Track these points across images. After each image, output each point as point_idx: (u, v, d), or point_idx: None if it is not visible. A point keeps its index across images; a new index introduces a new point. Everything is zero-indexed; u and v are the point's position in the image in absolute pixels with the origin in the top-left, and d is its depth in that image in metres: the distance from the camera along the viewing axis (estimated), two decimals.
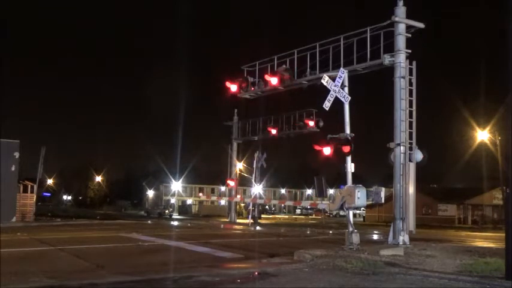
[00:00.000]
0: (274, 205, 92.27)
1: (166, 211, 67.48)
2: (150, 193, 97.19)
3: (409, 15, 17.45)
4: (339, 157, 15.28)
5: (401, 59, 17.29)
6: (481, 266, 11.02)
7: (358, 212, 64.75)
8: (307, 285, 8.90)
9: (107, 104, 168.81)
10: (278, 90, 24.34)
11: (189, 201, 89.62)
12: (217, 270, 10.41)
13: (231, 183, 37.06)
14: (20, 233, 20.22)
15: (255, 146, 37.00)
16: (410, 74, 17.22)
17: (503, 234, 9.46)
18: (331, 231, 27.91)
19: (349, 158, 15.19)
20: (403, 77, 17.10)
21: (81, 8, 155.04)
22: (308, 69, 21.83)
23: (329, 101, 15.54)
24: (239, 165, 38.64)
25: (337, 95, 15.39)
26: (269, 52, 26.43)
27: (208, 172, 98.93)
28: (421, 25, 17.65)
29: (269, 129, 32.60)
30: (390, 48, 17.77)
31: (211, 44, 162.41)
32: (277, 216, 76.85)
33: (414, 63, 17.28)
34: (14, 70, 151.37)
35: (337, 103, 15.52)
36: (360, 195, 14.44)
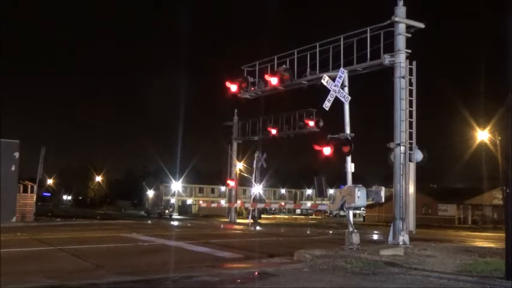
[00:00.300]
0: (275, 207, 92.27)
1: (166, 211, 67.47)
2: (150, 193, 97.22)
3: (409, 15, 17.45)
4: (339, 157, 15.29)
5: (401, 59, 17.28)
6: (481, 266, 11.02)
7: (358, 212, 64.75)
8: (307, 285, 8.90)
9: (107, 104, 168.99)
10: (278, 90, 24.32)
11: (189, 201, 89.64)
12: (217, 270, 10.41)
13: (231, 183, 37.06)
14: (20, 233, 20.22)
15: (255, 146, 37.03)
16: (410, 74, 17.20)
17: (503, 234, 9.46)
18: (331, 231, 27.90)
19: (349, 158, 15.19)
20: (403, 77, 17.09)
21: (81, 7, 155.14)
22: (308, 69, 21.81)
23: (329, 101, 15.54)
24: (239, 165, 38.62)
25: (337, 95, 15.39)
26: (269, 52, 26.43)
27: (208, 172, 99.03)
28: (421, 25, 17.65)
29: (269, 129, 32.58)
30: (390, 48, 17.76)
31: (211, 44, 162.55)
32: (277, 216, 76.85)
33: (414, 63, 17.27)
34: (14, 70, 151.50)
35: (337, 103, 15.52)
36: (360, 195, 14.44)
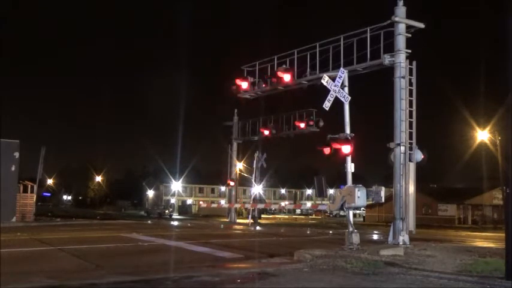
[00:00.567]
0: (275, 208, 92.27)
1: (166, 211, 67.47)
2: (150, 193, 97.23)
3: (409, 15, 17.45)
4: (339, 157, 15.28)
5: (401, 59, 17.28)
6: (481, 266, 11.02)
7: (358, 212, 64.74)
8: (307, 285, 8.90)
9: (107, 104, 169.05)
10: (278, 90, 24.32)
11: (189, 201, 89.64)
12: (217, 270, 10.41)
13: (231, 183, 37.09)
14: (20, 233, 20.22)
15: (255, 146, 37.01)
16: (410, 74, 17.20)
17: (503, 234, 9.46)
18: (331, 231, 27.91)
19: (349, 158, 15.19)
20: (403, 77, 17.09)
21: (81, 7, 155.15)
22: (308, 69, 21.80)
23: (329, 101, 15.54)
24: (239, 165, 38.62)
25: (337, 95, 15.39)
26: (269, 52, 26.44)
27: (208, 172, 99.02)
28: (421, 25, 17.65)
29: (268, 129, 32.59)
30: (390, 48, 17.76)
31: (211, 44, 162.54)
32: (277, 216, 76.84)
33: (414, 63, 17.26)
34: (14, 70, 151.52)
35: (337, 103, 15.52)
36: (360, 195, 14.44)
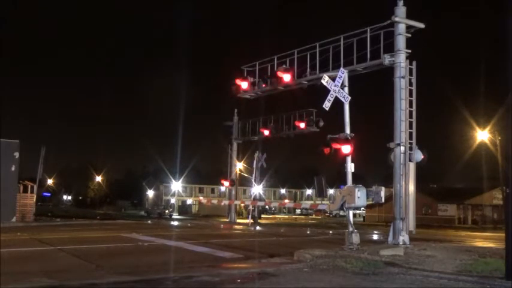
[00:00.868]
0: (275, 206, 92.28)
1: (166, 211, 67.46)
2: (150, 193, 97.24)
3: (409, 15, 17.44)
4: (339, 157, 15.28)
5: (401, 59, 17.28)
6: (481, 266, 11.03)
7: (358, 212, 64.76)
8: (307, 285, 8.90)
9: (107, 104, 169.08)
10: (278, 90, 24.32)
11: (189, 201, 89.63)
12: (217, 270, 10.41)
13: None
14: (20, 233, 20.22)
15: (255, 146, 36.99)
16: (410, 74, 17.20)
17: (503, 234, 9.46)
18: (331, 231, 27.91)
19: (349, 158, 15.19)
20: (403, 77, 17.09)
21: (81, 7, 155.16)
22: (308, 69, 21.80)
23: (329, 101, 15.54)
24: (239, 165, 38.61)
25: (337, 95, 15.39)
26: (269, 52, 26.43)
27: (208, 172, 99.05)
28: (421, 25, 17.65)
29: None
30: (390, 48, 17.76)
31: (211, 43, 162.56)
32: (277, 216, 76.87)
33: (414, 63, 17.27)
34: (14, 70, 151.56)
35: (337, 103, 15.52)
36: (360, 195, 14.44)
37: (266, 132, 32.46)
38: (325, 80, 15.67)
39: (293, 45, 28.76)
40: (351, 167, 15.19)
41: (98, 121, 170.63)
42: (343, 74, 15.61)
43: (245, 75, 25.63)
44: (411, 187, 16.84)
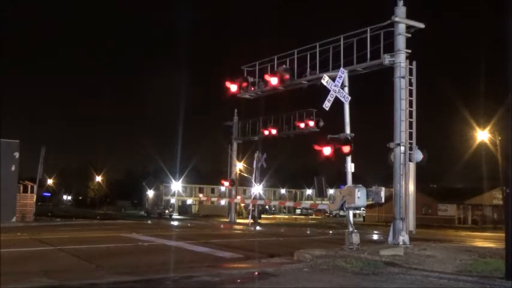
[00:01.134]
0: (274, 205, 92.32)
1: (166, 211, 67.43)
2: (150, 193, 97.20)
3: (409, 15, 17.44)
4: (339, 157, 15.28)
5: (401, 59, 17.28)
6: (481, 266, 11.03)
7: (358, 212, 64.75)
8: (307, 285, 8.90)
9: (107, 103, 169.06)
10: (278, 90, 24.32)
11: (189, 201, 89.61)
12: (217, 270, 10.41)
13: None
14: (20, 233, 20.22)
15: (255, 146, 37.01)
16: (410, 74, 17.20)
17: (503, 234, 9.46)
18: (331, 231, 27.91)
19: (349, 158, 15.19)
20: (403, 77, 17.09)
21: (81, 7, 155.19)
22: (308, 69, 21.80)
23: (329, 101, 15.54)
24: (239, 165, 38.62)
25: (337, 95, 15.39)
26: (269, 52, 26.42)
27: (208, 172, 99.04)
28: (421, 25, 17.65)
29: (269, 129, 32.58)
30: (390, 48, 17.75)
31: (211, 43, 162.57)
32: (277, 216, 76.84)
33: (414, 63, 17.27)
34: (14, 70, 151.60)
35: (337, 103, 15.52)
36: (360, 195, 14.44)
37: (266, 132, 32.43)
38: (325, 80, 15.67)
39: (293, 45, 28.77)
40: (351, 167, 15.20)
41: (98, 121, 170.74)
42: (343, 74, 15.61)
43: (245, 75, 25.64)
44: (411, 187, 16.84)
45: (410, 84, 17.19)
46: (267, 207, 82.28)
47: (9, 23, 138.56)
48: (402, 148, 16.79)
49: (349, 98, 15.47)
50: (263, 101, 29.08)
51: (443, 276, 9.92)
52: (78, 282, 8.77)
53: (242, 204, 52.63)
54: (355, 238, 14.53)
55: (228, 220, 37.97)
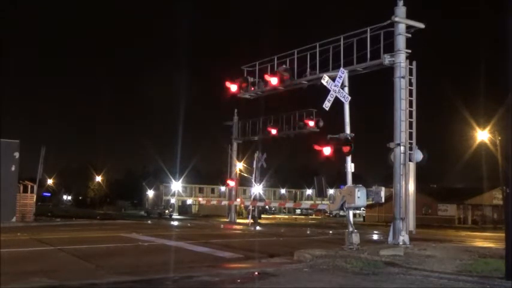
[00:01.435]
0: (274, 206, 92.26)
1: (166, 211, 67.41)
2: (150, 193, 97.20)
3: (409, 15, 17.46)
4: (339, 157, 15.28)
5: (401, 59, 17.29)
6: (481, 266, 11.02)
7: (358, 212, 64.72)
8: (307, 285, 8.90)
9: (107, 103, 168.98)
10: (278, 90, 24.34)
11: (189, 201, 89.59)
12: (217, 270, 10.41)
13: (231, 183, 37.02)
14: (20, 233, 20.22)
15: (255, 146, 37.00)
16: (410, 74, 17.21)
17: (503, 234, 9.46)
18: (331, 231, 27.91)
19: (349, 158, 15.19)
20: (403, 77, 17.10)
21: (81, 8, 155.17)
22: (308, 69, 21.82)
23: (329, 101, 15.54)
24: (239, 165, 38.61)
25: (337, 95, 15.38)
26: (269, 52, 26.45)
27: (208, 172, 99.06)
28: (421, 25, 17.65)
29: (269, 129, 32.56)
30: (390, 48, 17.76)
31: (211, 44, 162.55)
32: (277, 216, 76.81)
33: (414, 63, 17.28)
34: (14, 70, 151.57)
35: (337, 103, 15.52)
36: (360, 195, 14.44)
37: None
38: (325, 80, 15.67)
39: (293, 45, 28.78)
40: (351, 167, 15.20)
41: (98, 121, 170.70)
42: (343, 74, 15.61)
43: (245, 75, 25.67)
44: (411, 187, 16.84)
45: (410, 84, 17.20)
46: (267, 207, 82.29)
47: (9, 23, 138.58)
48: (402, 148, 16.80)
49: (349, 98, 15.47)
50: (263, 101, 29.12)
51: (444, 276, 9.91)
52: (78, 282, 8.77)
53: (242, 205, 52.63)
54: (355, 238, 14.53)
55: (228, 220, 37.96)
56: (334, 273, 10.07)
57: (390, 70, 17.66)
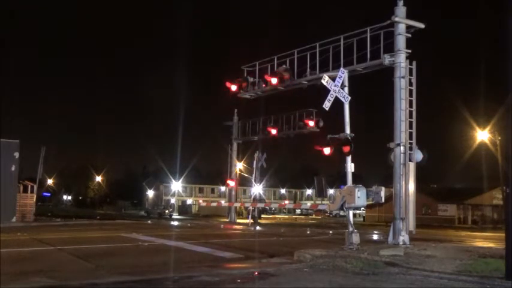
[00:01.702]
0: (275, 206, 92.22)
1: (166, 211, 67.44)
2: (150, 193, 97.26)
3: (409, 15, 17.45)
4: (339, 157, 15.28)
5: (401, 59, 17.29)
6: (481, 266, 11.02)
7: (358, 212, 64.73)
8: (307, 285, 8.90)
9: (107, 104, 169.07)
10: (278, 90, 24.34)
11: (189, 201, 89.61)
12: (217, 270, 10.41)
13: (231, 183, 37.02)
14: (20, 233, 20.22)
15: (255, 146, 37.01)
16: (410, 74, 17.21)
17: (503, 234, 9.45)
18: (331, 231, 27.91)
19: (349, 158, 15.18)
20: (403, 77, 17.09)
21: (81, 8, 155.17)
22: (308, 69, 21.82)
23: (329, 101, 15.53)
24: (239, 165, 38.60)
25: (337, 95, 15.38)
26: (269, 52, 26.44)
27: (208, 172, 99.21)
28: (421, 25, 17.65)
29: (269, 129, 32.54)
30: (390, 48, 17.76)
31: (211, 44, 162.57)
32: (277, 216, 76.83)
33: (414, 63, 17.28)
34: (14, 70, 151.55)
35: (337, 103, 15.51)
36: (360, 195, 14.43)
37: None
38: (325, 80, 15.66)
39: (293, 45, 28.76)
40: (351, 167, 15.18)
41: (98, 121, 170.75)
42: (343, 74, 15.60)
43: (245, 75, 25.68)
44: (411, 187, 16.84)
45: (410, 84, 17.19)
46: (267, 207, 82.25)
47: (9, 22, 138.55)
48: (402, 148, 16.79)
49: (349, 98, 15.46)
50: (263, 101, 29.14)
51: (444, 276, 9.91)
52: (78, 282, 8.77)
53: (242, 206, 52.60)
54: (355, 238, 14.52)
55: (228, 220, 37.95)
56: (334, 273, 10.07)
57: (390, 70, 17.66)
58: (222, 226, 32.29)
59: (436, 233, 30.42)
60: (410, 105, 17.12)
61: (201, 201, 78.07)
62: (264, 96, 26.50)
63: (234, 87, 25.56)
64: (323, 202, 55.51)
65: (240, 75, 25.81)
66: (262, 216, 56.84)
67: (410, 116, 17.10)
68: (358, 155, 15.70)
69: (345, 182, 15.27)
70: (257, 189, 39.64)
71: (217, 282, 9.03)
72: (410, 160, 16.85)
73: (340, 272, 10.29)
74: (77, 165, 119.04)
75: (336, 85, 15.42)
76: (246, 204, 40.95)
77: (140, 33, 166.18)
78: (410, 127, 17.06)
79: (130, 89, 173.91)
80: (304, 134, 31.25)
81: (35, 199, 32.88)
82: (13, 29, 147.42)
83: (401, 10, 17.30)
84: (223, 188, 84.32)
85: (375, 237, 24.37)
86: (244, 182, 50.02)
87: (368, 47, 18.79)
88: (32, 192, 32.34)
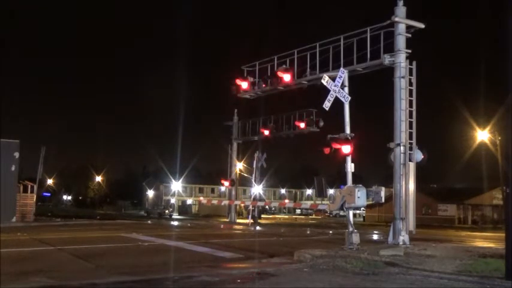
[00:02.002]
0: (275, 206, 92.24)
1: (166, 211, 67.45)
2: (150, 193, 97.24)
3: (409, 15, 17.46)
4: (339, 157, 15.28)
5: (401, 59, 17.29)
6: (481, 266, 11.01)
7: (358, 212, 64.73)
8: (307, 285, 8.90)
9: (107, 104, 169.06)
10: (278, 90, 24.33)
11: (189, 201, 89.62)
12: (217, 270, 10.41)
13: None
14: (20, 233, 20.22)
15: (255, 146, 37.01)
16: (410, 74, 17.21)
17: (503, 234, 9.45)
18: (331, 231, 27.91)
19: (349, 158, 15.18)
20: (403, 77, 17.10)
21: (81, 8, 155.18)
22: (308, 69, 21.81)
23: (329, 101, 15.53)
24: (239, 165, 38.61)
25: (337, 95, 15.38)
26: (269, 52, 26.45)
27: (208, 172, 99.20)
28: (421, 25, 17.65)
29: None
30: (390, 48, 17.76)
31: (211, 44, 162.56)
32: (277, 216, 76.84)
33: (414, 63, 17.28)
34: (15, 70, 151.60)
35: (337, 103, 15.51)
36: (360, 195, 14.43)
37: (266, 132, 32.49)
38: (325, 80, 15.66)
39: (293, 45, 28.77)
40: (351, 167, 15.18)
41: (98, 121, 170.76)
42: (343, 74, 15.60)
43: (245, 75, 25.65)
44: (411, 187, 16.84)
45: (410, 84, 17.20)
46: (267, 207, 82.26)
47: (9, 22, 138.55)
48: (402, 148, 16.80)
49: (349, 98, 15.45)
50: (263, 101, 29.11)
51: (444, 276, 9.91)
52: (78, 282, 8.77)
53: (242, 205, 52.62)
54: (355, 238, 14.52)
55: (228, 220, 37.97)
56: (334, 273, 10.07)
57: (390, 70, 17.66)
58: (222, 226, 32.30)
59: (436, 233, 30.43)
60: (410, 105, 17.12)
61: (201, 198, 78.09)
62: (264, 96, 26.48)
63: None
64: (323, 202, 55.45)
65: (240, 75, 25.79)
66: (262, 216, 56.86)
67: (410, 116, 17.11)
68: (358, 155, 15.70)
69: (345, 182, 15.27)
70: (257, 189, 39.65)
71: (217, 282, 9.03)
72: (410, 160, 16.85)
73: (340, 272, 10.29)
74: (77, 165, 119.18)
75: (336, 85, 15.42)
76: (247, 203, 40.97)
77: (140, 33, 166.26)
78: (410, 127, 17.06)
79: (131, 89, 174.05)
80: (304, 134, 31.26)
81: (35, 199, 32.88)
82: (13, 29, 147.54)
83: (401, 10, 17.30)
84: (223, 188, 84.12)
85: (375, 237, 24.37)
86: (244, 182, 50.03)
87: (368, 47, 18.79)
88: (32, 192, 32.34)
